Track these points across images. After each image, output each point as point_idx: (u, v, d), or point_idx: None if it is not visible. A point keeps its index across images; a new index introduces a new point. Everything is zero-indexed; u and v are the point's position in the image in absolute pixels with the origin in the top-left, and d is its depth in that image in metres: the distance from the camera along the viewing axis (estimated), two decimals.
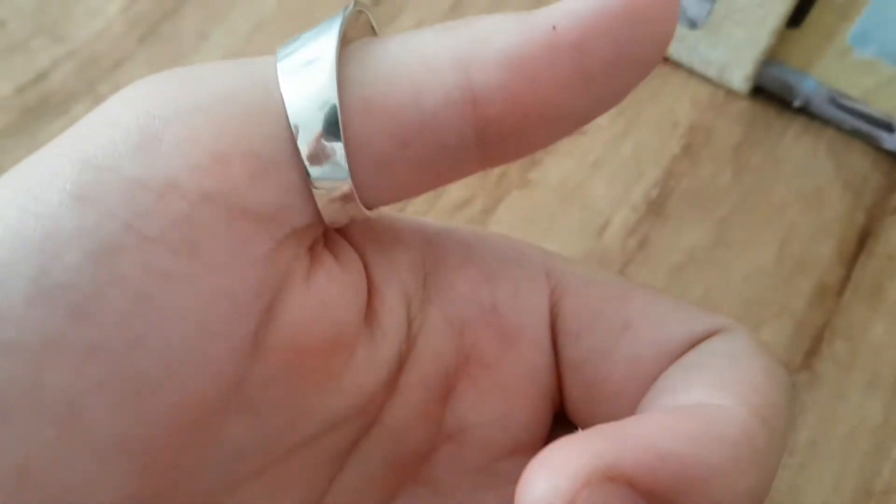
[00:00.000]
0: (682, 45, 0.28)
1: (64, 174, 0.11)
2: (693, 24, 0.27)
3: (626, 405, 0.15)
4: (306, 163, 0.12)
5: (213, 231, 0.12)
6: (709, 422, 0.12)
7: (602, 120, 0.27)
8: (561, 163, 0.27)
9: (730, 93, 0.29)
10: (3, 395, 0.11)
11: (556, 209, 0.26)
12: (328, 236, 0.14)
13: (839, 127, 0.28)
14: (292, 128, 0.12)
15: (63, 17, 0.28)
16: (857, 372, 0.24)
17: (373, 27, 0.14)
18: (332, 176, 0.12)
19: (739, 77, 0.28)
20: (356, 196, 0.13)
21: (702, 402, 0.13)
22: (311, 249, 0.14)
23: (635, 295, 0.16)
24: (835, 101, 0.27)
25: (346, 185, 0.13)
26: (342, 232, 0.15)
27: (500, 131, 0.13)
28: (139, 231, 0.11)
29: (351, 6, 0.13)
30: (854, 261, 0.26)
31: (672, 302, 0.16)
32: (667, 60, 0.29)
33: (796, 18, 0.26)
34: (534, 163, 0.26)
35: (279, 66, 0.13)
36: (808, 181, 0.27)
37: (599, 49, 0.12)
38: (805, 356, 0.24)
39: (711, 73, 0.28)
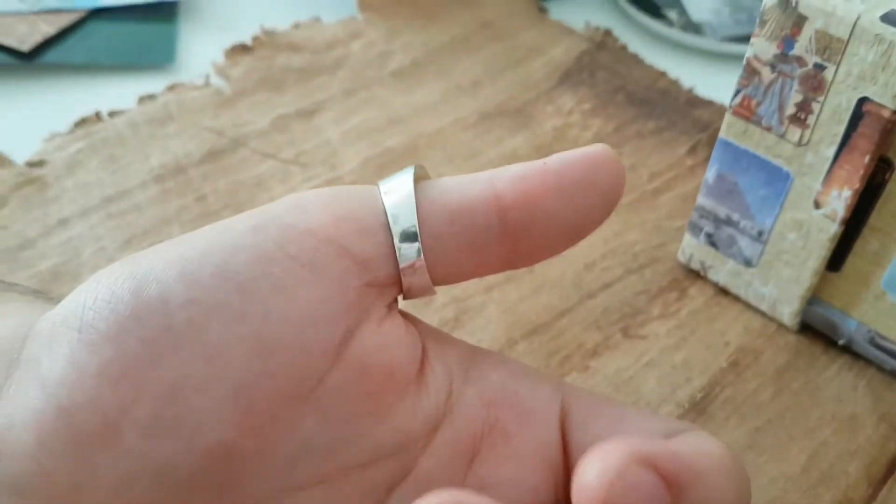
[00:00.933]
0: (739, 281, 0.32)
1: (253, 220, 0.19)
2: (748, 263, 0.32)
3: None
4: (396, 238, 0.19)
5: (327, 259, 0.18)
6: (702, 443, 0.17)
7: (660, 329, 0.31)
8: (619, 358, 0.30)
9: (781, 326, 0.32)
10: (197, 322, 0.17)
11: (608, 394, 0.29)
12: (402, 312, 0.20)
13: (881, 367, 0.31)
14: (389, 216, 0.19)
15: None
16: None
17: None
18: (410, 249, 0.19)
19: (788, 312, 0.31)
20: (425, 267, 0.19)
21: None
22: (389, 306, 0.20)
23: (627, 405, 0.20)
24: (874, 342, 0.30)
25: (419, 260, 0.19)
26: (410, 318, 0.21)
27: (515, 219, 0.19)
28: (286, 250, 0.18)
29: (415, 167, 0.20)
30: (883, 483, 0.28)
31: (656, 414, 0.20)
32: (726, 293, 0.33)
33: (836, 263, 0.30)
34: (595, 354, 0.30)
35: (379, 184, 0.20)
36: (845, 409, 0.30)
37: (572, 176, 0.19)
38: None
39: (764, 307, 0.32)
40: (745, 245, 0.31)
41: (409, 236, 0.19)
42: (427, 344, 0.20)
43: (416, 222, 0.19)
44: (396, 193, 0.19)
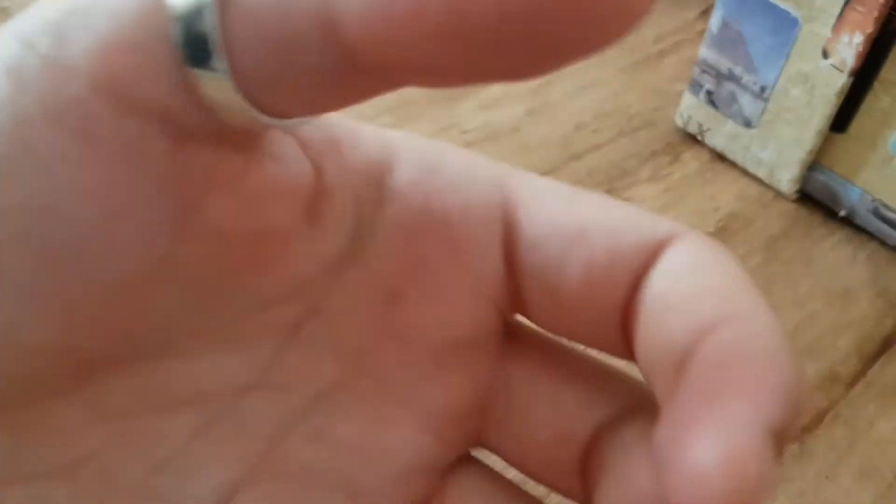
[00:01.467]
0: (737, 145, 0.30)
1: (2, 48, 0.13)
2: (748, 123, 0.29)
3: (583, 310, 0.16)
4: (186, 61, 0.12)
5: (105, 122, 0.12)
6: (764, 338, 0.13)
7: (647, 193, 0.29)
8: None
9: (778, 195, 0.30)
10: None
11: None
12: (269, 139, 0.15)
13: (883, 241, 0.28)
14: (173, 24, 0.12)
15: None
16: (852, 459, 0.23)
17: None
18: (217, 80, 0.12)
19: (787, 179, 0.29)
20: (248, 104, 0.12)
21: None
22: (239, 148, 0.14)
23: (588, 203, 0.16)
24: (878, 213, 0.28)
25: (230, 91, 0.12)
26: (298, 134, 0.16)
27: (369, 62, 0.12)
28: (46, 108, 0.12)
29: None
30: (873, 361, 0.26)
31: (622, 210, 0.16)
32: (723, 159, 0.31)
33: (841, 122, 0.27)
34: None
35: None
36: (840, 282, 0.27)
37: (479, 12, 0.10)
38: (800, 431, 0.24)
39: (762, 173, 0.30)
40: (746, 103, 0.29)
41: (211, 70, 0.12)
42: (324, 164, 0.16)
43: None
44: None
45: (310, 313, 0.17)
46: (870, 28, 0.24)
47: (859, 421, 0.24)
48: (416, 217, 0.17)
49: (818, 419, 0.24)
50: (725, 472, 0.11)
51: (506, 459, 0.18)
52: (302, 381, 0.17)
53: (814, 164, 0.28)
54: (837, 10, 0.25)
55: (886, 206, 0.27)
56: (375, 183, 0.17)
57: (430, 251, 0.17)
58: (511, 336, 0.18)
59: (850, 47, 0.25)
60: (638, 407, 0.16)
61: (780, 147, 0.28)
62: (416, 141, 0.18)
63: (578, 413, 0.17)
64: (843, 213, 0.29)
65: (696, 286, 0.15)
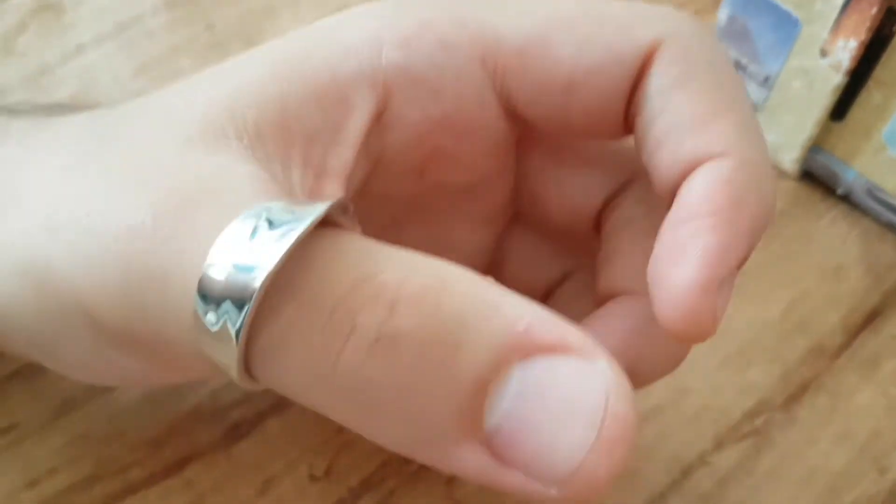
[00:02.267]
0: None
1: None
2: (754, 108, 0.31)
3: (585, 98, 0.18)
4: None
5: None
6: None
7: None
8: None
9: (782, 174, 0.32)
10: None
11: None
12: None
13: (876, 219, 0.31)
14: None
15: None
16: (832, 425, 0.26)
17: None
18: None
19: (789, 159, 0.31)
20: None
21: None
22: None
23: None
24: (872, 194, 0.30)
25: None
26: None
27: None
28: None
29: None
30: (857, 333, 0.28)
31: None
32: None
33: (839, 113, 0.29)
34: None
35: None
36: (833, 258, 0.30)
37: None
38: (786, 400, 0.27)
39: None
40: (752, 90, 0.31)
41: None
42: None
43: None
44: None
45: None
46: (863, 35, 0.26)
47: (841, 390, 0.27)
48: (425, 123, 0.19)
49: (803, 389, 0.27)
50: (696, 298, 0.16)
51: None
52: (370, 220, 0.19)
53: (814, 147, 0.30)
54: (834, 16, 0.26)
55: (879, 188, 0.30)
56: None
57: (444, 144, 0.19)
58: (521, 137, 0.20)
59: (845, 50, 0.27)
60: (635, 177, 0.20)
61: (784, 131, 0.30)
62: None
63: (588, 190, 0.21)
64: (841, 191, 0.31)
65: (698, 97, 0.17)
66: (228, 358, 0.14)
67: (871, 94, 0.28)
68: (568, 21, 0.18)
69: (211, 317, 0.13)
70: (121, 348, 0.17)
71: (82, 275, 0.16)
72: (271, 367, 0.14)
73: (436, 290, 0.13)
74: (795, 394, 0.27)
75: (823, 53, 0.28)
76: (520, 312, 0.13)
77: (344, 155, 0.18)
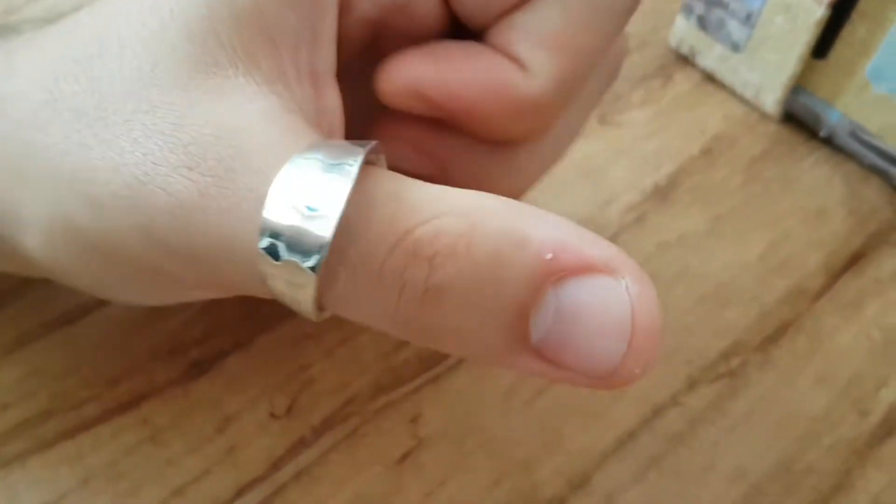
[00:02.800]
0: (726, 67, 0.31)
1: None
2: (735, 48, 0.30)
3: None
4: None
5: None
6: None
7: (638, 117, 0.30)
8: (591, 144, 0.30)
9: (764, 116, 0.31)
10: None
11: (572, 180, 0.29)
12: None
13: (860, 162, 0.30)
14: None
15: None
16: (811, 367, 0.26)
17: None
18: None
19: (772, 100, 0.30)
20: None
21: None
22: None
23: None
24: (855, 135, 0.29)
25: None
26: None
27: None
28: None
29: None
30: (839, 275, 0.27)
31: None
32: (712, 80, 0.32)
33: (822, 50, 0.28)
34: None
35: None
36: (815, 201, 0.29)
37: None
38: (763, 341, 0.26)
39: (749, 94, 0.31)
40: (734, 28, 0.30)
41: None
42: None
43: None
44: None
45: None
46: None
47: (821, 332, 0.26)
48: None
49: (782, 330, 0.26)
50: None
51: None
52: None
53: (797, 88, 0.29)
54: None
55: (863, 129, 0.29)
56: None
57: None
58: None
59: None
60: None
61: (766, 71, 0.30)
62: None
63: None
64: (823, 133, 0.30)
65: None
66: (304, 302, 0.15)
67: (855, 28, 0.27)
68: None
69: (278, 270, 0.14)
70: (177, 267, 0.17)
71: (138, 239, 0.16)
72: (336, 308, 0.15)
73: (467, 236, 0.14)
74: (773, 335, 0.26)
75: None
76: (546, 240, 0.14)
77: (327, 56, 0.18)
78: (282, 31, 0.17)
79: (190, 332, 0.25)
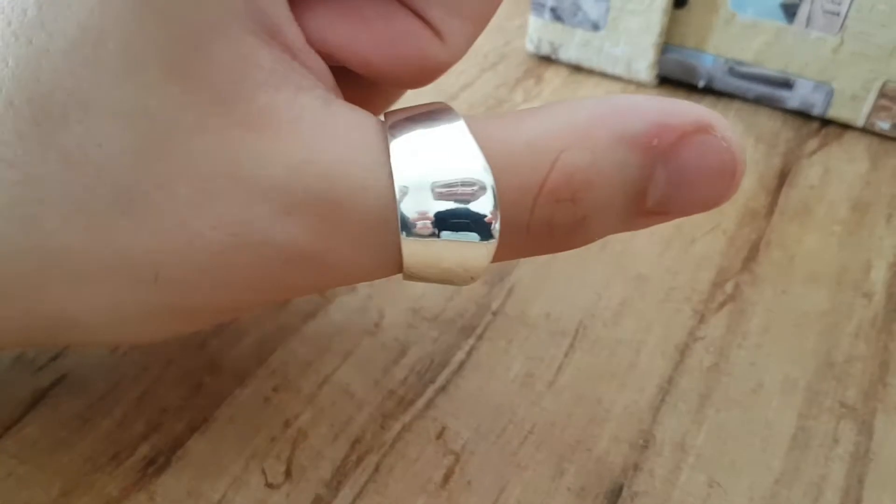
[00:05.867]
0: (591, 50, 0.30)
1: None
2: (596, 27, 0.30)
3: None
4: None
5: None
6: None
7: None
8: None
9: (640, 86, 0.30)
10: None
11: None
12: None
13: (744, 98, 0.29)
14: None
15: None
16: (796, 272, 0.24)
17: None
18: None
19: (644, 67, 0.29)
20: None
21: None
22: None
23: None
24: (734, 71, 0.29)
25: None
26: None
27: None
28: None
29: None
30: (778, 191, 0.26)
31: None
32: (580, 70, 0.31)
33: None
34: None
35: None
36: None
37: None
38: (744, 262, 0.24)
39: (620, 70, 0.30)
40: (589, 7, 0.29)
41: None
42: None
43: None
44: None
45: None
46: None
47: (788, 241, 0.25)
48: None
49: (755, 248, 0.24)
50: None
51: None
52: None
53: (666, 46, 0.29)
54: None
55: (739, 62, 0.29)
56: None
57: None
58: None
59: None
60: None
61: (632, 39, 0.29)
62: None
63: None
64: (702, 83, 0.30)
65: None
66: (476, 259, 0.15)
67: None
68: None
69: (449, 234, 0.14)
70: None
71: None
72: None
73: (594, 164, 0.14)
74: (749, 255, 0.24)
75: None
76: (648, 129, 0.14)
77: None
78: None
79: (129, 429, 0.19)
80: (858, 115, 0.28)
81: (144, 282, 0.14)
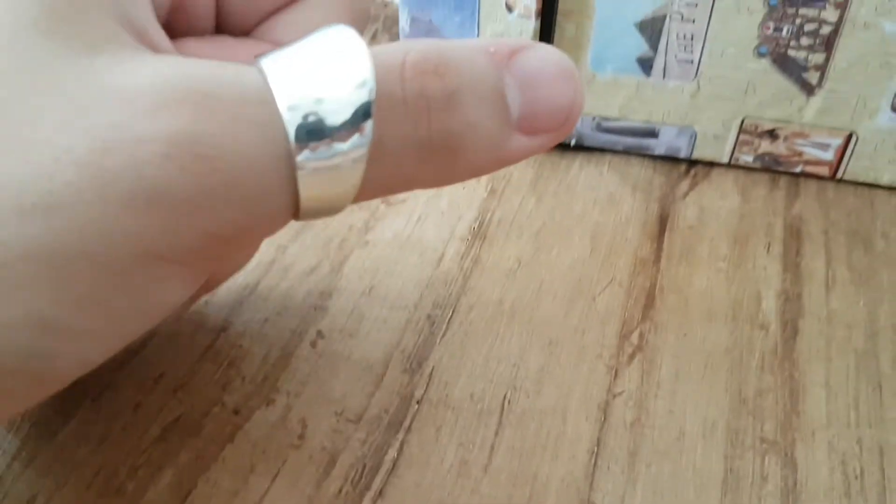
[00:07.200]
0: None
1: None
2: None
3: None
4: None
5: None
6: None
7: (417, 193, 0.28)
8: (392, 223, 0.27)
9: None
10: None
11: (397, 255, 0.26)
12: None
13: (613, 150, 0.30)
14: None
15: None
16: (693, 313, 0.24)
17: None
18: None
19: None
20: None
21: None
22: None
23: None
24: (601, 127, 0.30)
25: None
26: None
27: None
28: None
29: None
30: (661, 236, 0.27)
31: None
32: None
33: None
34: (367, 228, 0.27)
35: None
36: (601, 192, 0.29)
37: None
38: (643, 310, 0.24)
39: None
40: None
41: None
42: None
43: None
44: None
45: None
46: None
47: (680, 283, 0.25)
48: None
49: (651, 296, 0.25)
50: None
51: None
52: None
53: None
54: None
55: (605, 118, 0.30)
56: None
57: None
58: None
59: None
60: None
61: None
62: None
63: None
64: (573, 142, 0.30)
65: None
66: (346, 182, 0.16)
67: (564, 28, 0.28)
68: None
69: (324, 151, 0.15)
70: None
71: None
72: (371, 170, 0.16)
73: (443, 54, 0.16)
74: (647, 303, 0.25)
75: (509, 8, 0.27)
76: (478, 43, 0.17)
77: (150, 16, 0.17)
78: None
79: None
80: (723, 154, 0.29)
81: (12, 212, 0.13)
